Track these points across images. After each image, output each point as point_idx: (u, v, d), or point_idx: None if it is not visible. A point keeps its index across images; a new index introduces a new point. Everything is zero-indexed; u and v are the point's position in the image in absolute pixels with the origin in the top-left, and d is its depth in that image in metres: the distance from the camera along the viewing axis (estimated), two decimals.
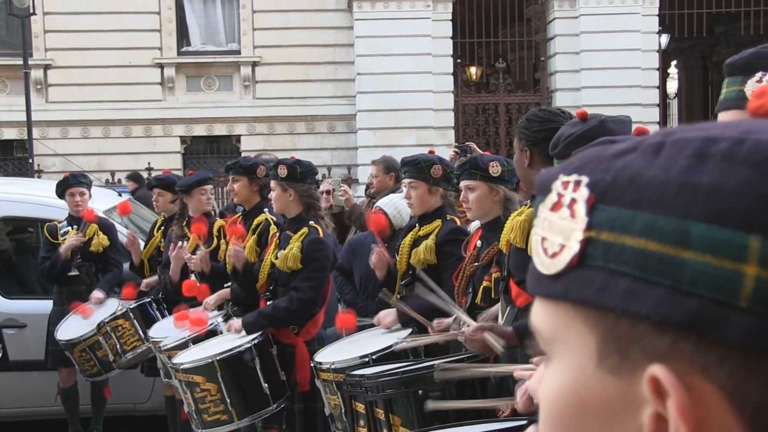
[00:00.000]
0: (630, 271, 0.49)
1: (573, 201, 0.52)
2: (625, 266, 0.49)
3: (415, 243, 3.73)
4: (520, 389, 2.14)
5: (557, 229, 0.52)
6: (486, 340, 2.64)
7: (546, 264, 0.53)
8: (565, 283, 0.51)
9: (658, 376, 0.48)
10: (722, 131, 0.49)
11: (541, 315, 0.55)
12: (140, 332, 5.02)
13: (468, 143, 8.57)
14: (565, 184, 0.53)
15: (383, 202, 4.52)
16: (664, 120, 18.24)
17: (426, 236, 3.70)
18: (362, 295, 4.58)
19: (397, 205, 4.36)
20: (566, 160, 0.56)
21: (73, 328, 5.22)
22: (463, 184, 3.31)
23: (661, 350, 0.48)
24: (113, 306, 5.21)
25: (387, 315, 3.71)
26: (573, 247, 0.51)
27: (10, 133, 14.73)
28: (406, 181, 3.84)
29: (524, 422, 2.22)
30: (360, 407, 3.05)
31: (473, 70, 18.90)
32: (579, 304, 0.51)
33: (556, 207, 0.53)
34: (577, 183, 0.52)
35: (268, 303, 4.08)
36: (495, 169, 3.24)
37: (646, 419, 0.49)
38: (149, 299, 5.23)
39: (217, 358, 3.87)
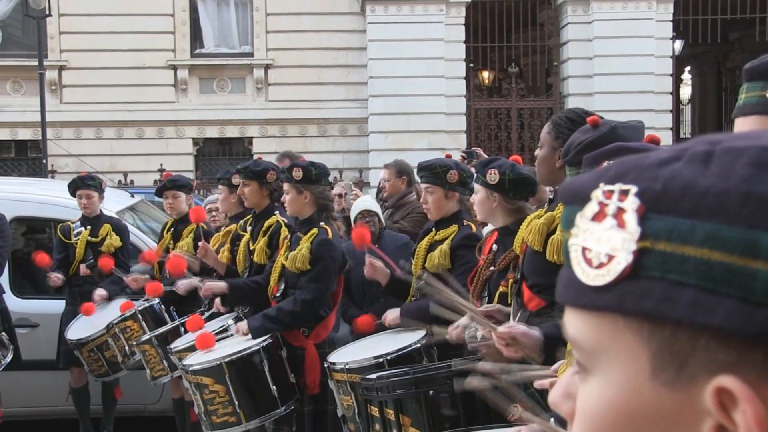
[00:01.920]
0: (694, 281, 0.48)
1: (620, 210, 0.51)
2: (687, 277, 0.48)
3: (431, 247, 3.71)
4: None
5: (603, 239, 0.51)
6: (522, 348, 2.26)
7: (591, 275, 0.51)
8: (616, 294, 0.50)
9: (729, 387, 0.47)
10: None
11: (582, 327, 0.53)
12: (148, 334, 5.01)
13: (474, 148, 8.56)
14: (608, 194, 0.52)
15: (364, 206, 4.68)
16: (677, 126, 18.15)
17: (441, 241, 3.68)
18: (366, 299, 4.56)
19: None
20: (600, 167, 0.55)
21: (83, 328, 5.25)
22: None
23: (727, 361, 0.47)
24: (118, 306, 5.23)
25: (390, 313, 3.75)
26: (625, 258, 0.50)
27: (24, 134, 14.83)
28: (422, 186, 3.83)
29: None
30: (375, 410, 3.04)
31: (486, 74, 18.89)
32: (632, 316, 0.50)
33: (598, 217, 0.52)
34: (624, 192, 0.51)
35: (272, 306, 4.06)
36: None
37: (706, 431, 0.48)
38: (157, 301, 5.23)
39: (226, 360, 3.87)
